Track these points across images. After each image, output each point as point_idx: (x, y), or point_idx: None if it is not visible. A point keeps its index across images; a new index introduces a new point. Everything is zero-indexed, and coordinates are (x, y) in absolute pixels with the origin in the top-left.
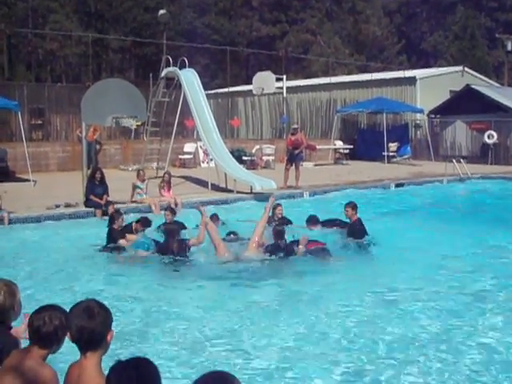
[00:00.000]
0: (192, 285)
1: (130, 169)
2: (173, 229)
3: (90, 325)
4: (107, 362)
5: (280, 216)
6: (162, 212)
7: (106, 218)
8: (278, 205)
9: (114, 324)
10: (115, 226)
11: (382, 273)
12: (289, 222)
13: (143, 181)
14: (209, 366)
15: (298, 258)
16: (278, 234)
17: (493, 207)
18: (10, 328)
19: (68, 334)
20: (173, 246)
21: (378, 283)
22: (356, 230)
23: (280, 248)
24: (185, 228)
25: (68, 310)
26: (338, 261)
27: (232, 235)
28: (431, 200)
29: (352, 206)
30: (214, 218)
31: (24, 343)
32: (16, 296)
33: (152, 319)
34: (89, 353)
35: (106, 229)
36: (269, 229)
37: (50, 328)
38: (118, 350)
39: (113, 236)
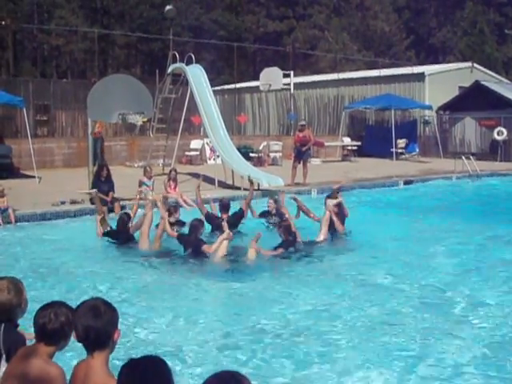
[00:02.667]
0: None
1: (136, 165)
2: (197, 225)
3: (96, 324)
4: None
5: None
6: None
7: (113, 215)
8: (271, 199)
9: (121, 321)
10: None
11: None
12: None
13: (150, 178)
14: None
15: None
16: (287, 230)
17: (502, 204)
18: (17, 326)
19: (74, 333)
20: (193, 242)
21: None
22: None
23: (292, 243)
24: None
25: (73, 309)
26: None
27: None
28: (440, 197)
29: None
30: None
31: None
32: (23, 294)
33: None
34: (96, 352)
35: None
36: None
37: (55, 325)
38: (128, 348)
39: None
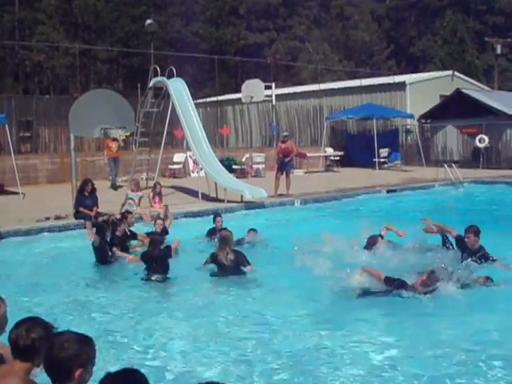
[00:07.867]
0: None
1: (120, 180)
2: (158, 239)
3: (52, 355)
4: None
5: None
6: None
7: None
8: (218, 216)
9: (102, 335)
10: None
11: None
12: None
13: (136, 191)
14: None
15: None
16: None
17: (485, 212)
18: None
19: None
20: (156, 255)
21: None
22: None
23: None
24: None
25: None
26: None
27: (252, 231)
28: (423, 205)
29: (475, 230)
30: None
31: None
32: (1, 310)
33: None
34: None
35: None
36: None
37: (27, 341)
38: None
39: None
